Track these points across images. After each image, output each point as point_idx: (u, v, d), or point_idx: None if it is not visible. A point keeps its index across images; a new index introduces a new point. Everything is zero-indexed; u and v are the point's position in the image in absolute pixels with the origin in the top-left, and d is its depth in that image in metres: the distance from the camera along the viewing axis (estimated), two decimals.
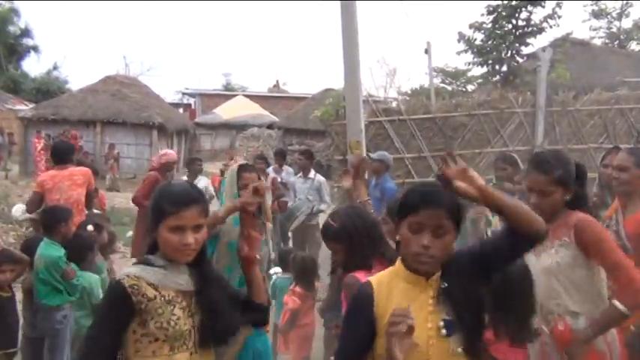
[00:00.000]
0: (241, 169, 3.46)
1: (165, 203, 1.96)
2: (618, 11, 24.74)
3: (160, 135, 20.52)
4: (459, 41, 13.76)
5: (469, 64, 14.22)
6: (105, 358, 1.94)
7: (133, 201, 6.68)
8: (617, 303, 2.40)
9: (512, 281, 2.34)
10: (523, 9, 13.19)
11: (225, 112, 31.92)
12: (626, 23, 25.52)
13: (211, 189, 8.02)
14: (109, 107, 20.19)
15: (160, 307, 1.94)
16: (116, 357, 1.97)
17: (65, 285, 3.99)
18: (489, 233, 4.33)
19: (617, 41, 24.39)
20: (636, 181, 3.03)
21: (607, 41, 24.41)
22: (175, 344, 1.96)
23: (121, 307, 1.92)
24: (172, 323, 1.95)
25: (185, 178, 7.84)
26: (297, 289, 4.30)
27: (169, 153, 7.50)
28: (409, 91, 28.61)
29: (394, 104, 13.90)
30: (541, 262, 2.63)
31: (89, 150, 18.84)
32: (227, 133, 31.17)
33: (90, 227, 4.47)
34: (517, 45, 13.48)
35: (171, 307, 1.96)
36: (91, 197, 5.62)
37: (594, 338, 2.46)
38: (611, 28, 25.42)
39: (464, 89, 30.42)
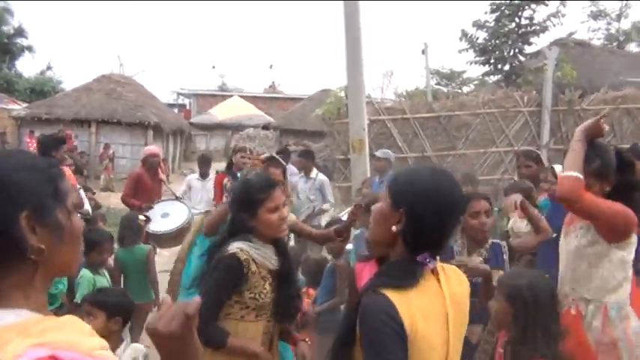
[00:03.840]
0: (269, 163, 3.51)
1: (257, 192, 2.39)
2: (617, 12, 24.72)
3: (156, 135, 20.21)
4: (461, 39, 13.59)
5: (471, 62, 14.01)
6: (214, 314, 2.33)
7: (122, 201, 6.63)
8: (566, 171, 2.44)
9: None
10: (526, 7, 13.03)
11: (221, 112, 31.71)
12: (625, 24, 25.54)
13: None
14: (103, 106, 19.85)
15: (257, 281, 2.36)
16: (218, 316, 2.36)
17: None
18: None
19: (617, 42, 24.32)
20: None
21: (606, 42, 24.33)
22: (260, 312, 2.39)
23: (235, 275, 2.32)
24: (262, 295, 2.36)
25: (196, 175, 7.69)
26: (311, 291, 4.19)
27: (147, 148, 7.35)
28: (404, 92, 28.48)
29: (390, 104, 13.75)
30: (567, 244, 2.60)
31: (84, 150, 18.54)
32: (222, 134, 30.95)
33: (142, 217, 4.54)
34: (520, 44, 13.30)
35: (264, 282, 2.38)
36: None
37: None
38: (609, 29, 25.39)
39: (459, 90, 30.35)
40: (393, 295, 1.52)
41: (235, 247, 2.35)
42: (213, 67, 44.61)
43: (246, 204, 2.41)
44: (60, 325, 1.02)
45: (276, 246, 2.47)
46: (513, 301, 2.27)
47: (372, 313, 1.53)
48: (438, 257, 1.65)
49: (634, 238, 2.49)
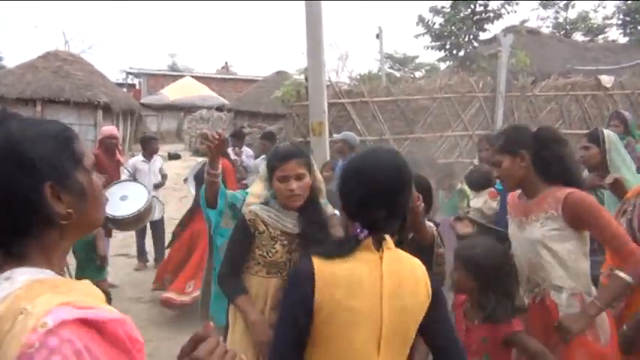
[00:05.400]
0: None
1: (274, 159, 2.56)
2: (565, 2, 25.45)
3: (106, 115, 19.56)
4: (417, 24, 13.70)
5: (427, 47, 14.16)
6: (231, 267, 2.61)
7: None
8: (620, 273, 2.39)
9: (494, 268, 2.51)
10: None
11: (172, 93, 30.97)
12: (572, 14, 26.38)
13: (164, 169, 7.69)
14: (50, 85, 19.02)
15: (265, 240, 2.55)
16: (243, 263, 2.61)
17: None
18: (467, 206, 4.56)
19: (564, 31, 25.08)
20: None
21: (554, 30, 25.05)
22: (271, 270, 2.55)
23: (244, 232, 2.57)
24: (270, 254, 2.54)
25: (141, 157, 7.46)
26: None
27: (105, 128, 7.10)
28: (358, 76, 28.59)
29: (347, 87, 13.77)
30: (526, 234, 2.60)
31: None
32: (174, 115, 30.29)
33: None
34: (474, 30, 13.52)
35: (273, 242, 2.55)
36: None
37: (602, 311, 2.43)
38: (557, 17, 26.15)
39: (412, 75, 30.73)
40: (317, 262, 1.65)
41: (249, 208, 2.63)
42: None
43: (267, 170, 2.62)
44: (83, 287, 1.07)
45: (302, 213, 2.59)
46: (471, 270, 2.52)
47: (292, 274, 1.76)
48: (388, 237, 1.74)
49: None
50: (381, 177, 1.67)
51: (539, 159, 2.56)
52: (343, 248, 1.68)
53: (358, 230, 1.66)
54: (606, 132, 3.78)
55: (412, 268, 1.76)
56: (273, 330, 1.73)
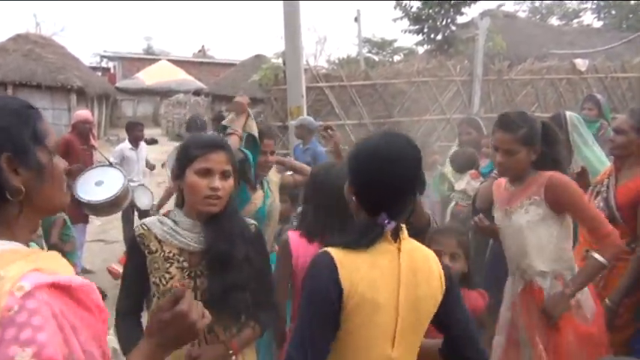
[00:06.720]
0: (262, 135, 3.28)
1: (193, 148, 1.94)
2: None
3: (80, 99, 19.20)
4: (395, 8, 13.66)
5: (405, 31, 14.15)
6: (126, 305, 2.01)
7: None
8: (596, 255, 2.46)
9: None
10: None
11: (148, 77, 30.56)
12: None
13: (150, 158, 7.54)
14: (21, 68, 18.56)
15: (157, 262, 1.93)
16: (144, 296, 2.03)
17: None
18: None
19: (540, 15, 25.30)
20: (631, 145, 2.97)
21: (530, 15, 25.26)
22: None
23: (135, 251, 1.97)
24: (164, 281, 1.92)
25: (128, 145, 7.25)
26: None
27: (79, 113, 6.92)
28: (337, 60, 28.48)
29: (326, 71, 13.70)
30: (512, 223, 2.64)
31: None
32: (150, 100, 29.95)
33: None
34: (452, 13, 13.52)
35: (168, 265, 1.93)
36: None
37: (577, 292, 2.49)
38: (533, 2, 26.37)
39: (390, 60, 30.68)
40: (339, 255, 1.56)
41: (142, 220, 2.04)
42: None
43: (179, 162, 1.97)
44: (52, 257, 1.09)
45: (209, 223, 1.96)
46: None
47: (315, 271, 1.58)
48: (403, 225, 1.67)
49: None
50: (407, 164, 1.60)
51: (544, 154, 2.60)
52: (365, 239, 1.59)
53: (386, 221, 1.58)
54: (568, 114, 3.89)
55: (426, 258, 1.72)
56: (299, 331, 1.56)
